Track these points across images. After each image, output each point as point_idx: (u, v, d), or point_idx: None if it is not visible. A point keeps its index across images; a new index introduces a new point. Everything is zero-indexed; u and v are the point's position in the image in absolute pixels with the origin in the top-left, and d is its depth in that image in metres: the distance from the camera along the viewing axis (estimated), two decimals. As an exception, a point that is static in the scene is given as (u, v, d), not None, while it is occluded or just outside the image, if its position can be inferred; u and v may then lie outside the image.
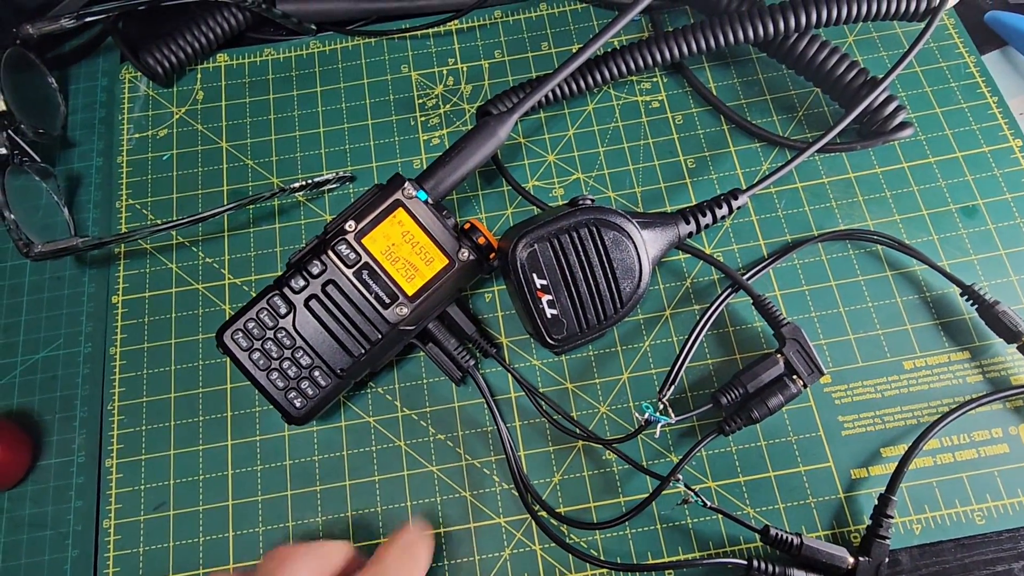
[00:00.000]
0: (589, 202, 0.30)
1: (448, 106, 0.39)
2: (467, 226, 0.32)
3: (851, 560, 0.28)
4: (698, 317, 0.33)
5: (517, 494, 0.31)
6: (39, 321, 0.36)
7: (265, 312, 0.31)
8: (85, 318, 0.36)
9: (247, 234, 0.37)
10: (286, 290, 0.31)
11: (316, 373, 0.31)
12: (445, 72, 0.40)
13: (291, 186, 0.36)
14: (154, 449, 0.33)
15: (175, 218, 0.35)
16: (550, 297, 0.29)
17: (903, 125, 0.35)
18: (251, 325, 0.31)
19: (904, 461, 0.30)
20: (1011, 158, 0.37)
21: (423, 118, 0.39)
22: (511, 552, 0.31)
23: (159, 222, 0.36)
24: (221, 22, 0.40)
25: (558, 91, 0.37)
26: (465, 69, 0.40)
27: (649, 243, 0.30)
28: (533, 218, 0.30)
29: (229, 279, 0.36)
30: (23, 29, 0.37)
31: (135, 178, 0.38)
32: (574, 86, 0.37)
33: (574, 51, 0.35)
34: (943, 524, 0.31)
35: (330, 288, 0.31)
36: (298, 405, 0.31)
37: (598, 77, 0.37)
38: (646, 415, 0.29)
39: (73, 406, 0.34)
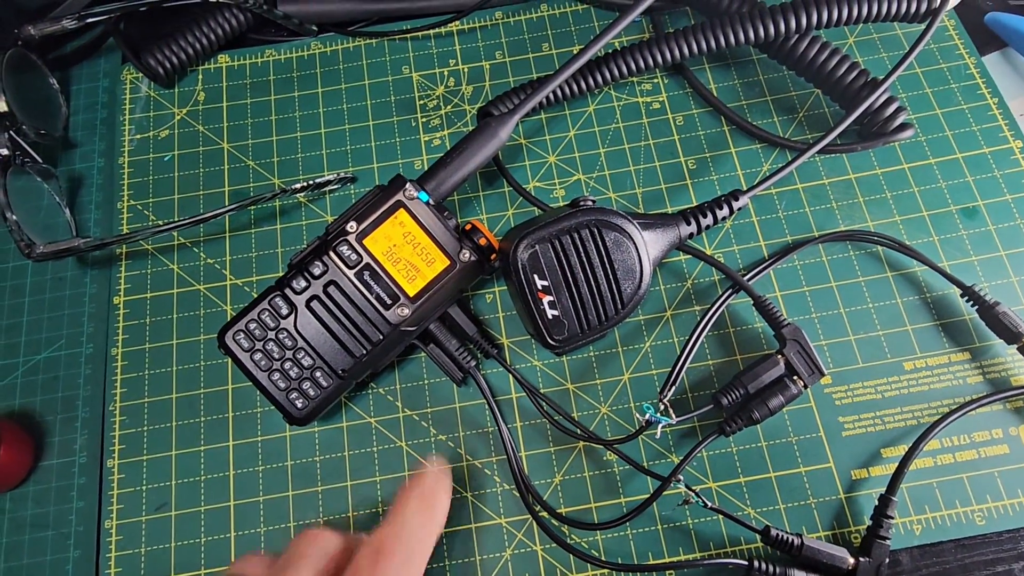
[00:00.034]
0: (590, 203, 0.30)
1: (449, 107, 0.39)
2: (468, 227, 0.32)
3: (851, 560, 0.28)
4: (699, 318, 0.33)
5: (518, 494, 0.32)
6: (41, 322, 0.36)
7: (267, 313, 0.31)
8: (87, 319, 0.36)
9: (248, 235, 0.37)
10: (288, 291, 0.31)
11: (318, 374, 0.31)
12: (446, 73, 0.40)
13: (292, 187, 0.36)
14: (156, 450, 0.33)
15: (176, 219, 0.35)
16: (551, 298, 0.29)
17: (903, 126, 0.35)
18: (253, 326, 0.31)
19: (904, 462, 0.30)
20: (1011, 159, 0.37)
21: (424, 119, 0.39)
22: (512, 552, 0.31)
23: (160, 223, 0.36)
24: (222, 23, 0.40)
25: (559, 92, 0.37)
26: (466, 70, 0.40)
27: (650, 244, 0.30)
28: (534, 219, 0.30)
29: (231, 280, 0.36)
30: (25, 30, 0.37)
31: (136, 179, 0.38)
32: (575, 87, 0.37)
33: (575, 52, 0.35)
34: (943, 525, 0.31)
35: (331, 289, 0.31)
36: (300, 406, 0.31)
37: (599, 78, 0.37)
38: (647, 416, 0.29)
39: (75, 407, 0.34)
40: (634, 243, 0.29)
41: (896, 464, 0.30)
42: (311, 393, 0.31)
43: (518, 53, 0.41)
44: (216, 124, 0.39)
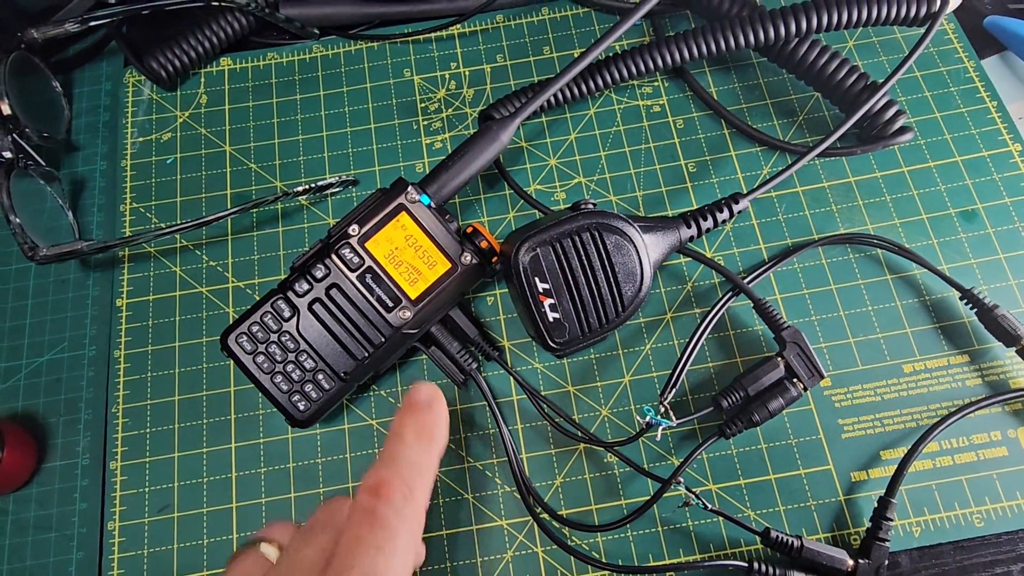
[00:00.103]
0: (591, 206, 0.30)
1: (450, 110, 0.40)
2: (469, 230, 0.32)
3: (851, 562, 0.29)
4: (699, 320, 0.33)
5: (519, 496, 0.32)
6: (43, 324, 0.36)
7: (269, 315, 0.31)
8: (89, 321, 0.36)
9: (251, 238, 0.37)
10: (290, 294, 0.31)
11: (320, 376, 0.31)
12: (448, 76, 0.40)
13: (294, 190, 0.36)
14: (158, 452, 0.33)
15: (179, 221, 0.35)
16: (552, 301, 0.29)
17: (903, 129, 0.36)
18: (255, 328, 0.31)
19: (903, 464, 0.30)
20: (1010, 162, 0.37)
21: (426, 122, 0.39)
22: (513, 554, 0.31)
23: (163, 226, 0.36)
24: (224, 26, 0.40)
25: (560, 95, 0.37)
26: (467, 73, 0.40)
27: (650, 247, 0.30)
28: (535, 222, 0.31)
29: (233, 282, 0.36)
30: (28, 33, 0.37)
31: (139, 182, 0.38)
32: (576, 90, 0.37)
33: (576, 55, 0.35)
34: (942, 527, 0.31)
35: (334, 292, 0.31)
36: (302, 408, 0.31)
37: (600, 81, 0.37)
38: (647, 418, 0.29)
39: (77, 409, 0.34)
40: (635, 246, 0.29)
41: (895, 466, 0.30)
42: (313, 395, 0.31)
43: (519, 56, 0.41)
44: (218, 127, 0.40)
